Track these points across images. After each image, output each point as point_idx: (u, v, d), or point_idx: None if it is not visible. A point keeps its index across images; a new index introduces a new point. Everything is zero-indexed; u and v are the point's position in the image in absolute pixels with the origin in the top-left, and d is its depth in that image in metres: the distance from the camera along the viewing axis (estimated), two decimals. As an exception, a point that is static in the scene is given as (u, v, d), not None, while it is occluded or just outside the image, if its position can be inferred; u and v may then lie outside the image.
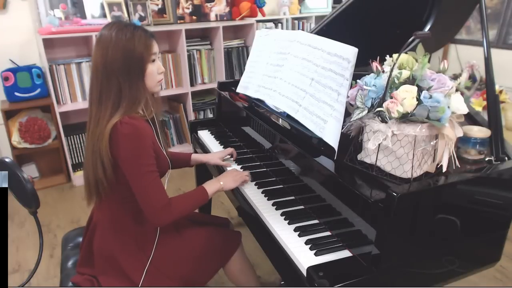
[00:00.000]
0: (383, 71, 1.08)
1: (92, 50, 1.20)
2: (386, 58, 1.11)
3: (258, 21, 3.57)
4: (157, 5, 3.14)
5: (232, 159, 1.65)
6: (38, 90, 2.82)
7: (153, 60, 1.19)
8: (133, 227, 1.27)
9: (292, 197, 1.33)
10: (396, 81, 1.01)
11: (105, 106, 1.15)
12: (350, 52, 1.13)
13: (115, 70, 1.14)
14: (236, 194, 1.44)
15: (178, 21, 3.25)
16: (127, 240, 1.26)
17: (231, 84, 1.94)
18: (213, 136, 1.93)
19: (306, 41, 1.35)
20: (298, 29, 3.90)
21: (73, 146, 2.95)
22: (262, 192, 1.37)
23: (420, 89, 0.99)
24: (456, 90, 1.01)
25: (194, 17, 3.33)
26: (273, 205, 1.29)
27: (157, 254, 1.26)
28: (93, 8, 2.93)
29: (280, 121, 1.44)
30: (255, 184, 1.43)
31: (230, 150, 1.64)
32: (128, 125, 1.12)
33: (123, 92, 1.15)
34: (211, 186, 1.32)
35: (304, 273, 1.00)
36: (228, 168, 1.57)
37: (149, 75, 1.19)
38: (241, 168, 1.55)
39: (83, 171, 1.26)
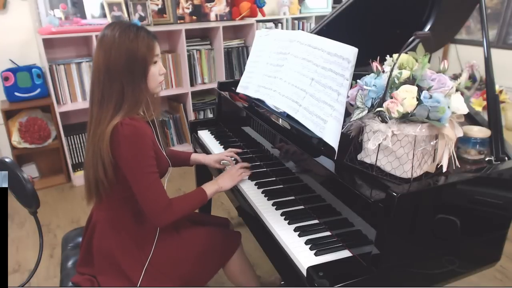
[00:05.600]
0: (383, 71, 1.08)
1: (93, 50, 1.19)
2: (386, 58, 1.11)
3: (258, 21, 3.57)
4: (157, 5, 3.14)
5: (233, 160, 1.60)
6: (38, 90, 2.82)
7: (155, 62, 1.19)
8: (133, 227, 1.27)
9: (292, 197, 1.33)
10: (396, 81, 1.01)
11: (107, 107, 1.14)
12: (350, 52, 1.13)
13: (118, 72, 1.13)
14: (236, 194, 1.44)
15: (178, 21, 3.25)
16: (127, 240, 1.26)
17: (231, 84, 1.94)
18: (213, 136, 1.93)
19: (306, 41, 1.35)
20: (298, 29, 3.90)
21: (73, 146, 2.95)
22: (262, 192, 1.37)
23: (420, 89, 0.99)
24: (456, 90, 1.01)
25: (194, 17, 3.33)
26: (273, 205, 1.29)
27: (156, 254, 1.26)
28: (93, 8, 2.93)
29: (280, 121, 1.44)
30: (255, 184, 1.43)
31: (229, 153, 1.58)
32: (129, 126, 1.12)
33: (126, 93, 1.15)
34: (209, 188, 1.33)
35: (304, 273, 1.00)
36: (226, 167, 1.57)
37: (151, 76, 1.19)
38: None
39: (84, 171, 1.26)
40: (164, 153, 1.31)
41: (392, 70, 1.01)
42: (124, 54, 1.13)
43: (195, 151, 1.99)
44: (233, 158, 1.59)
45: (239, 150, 1.60)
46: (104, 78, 1.14)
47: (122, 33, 1.14)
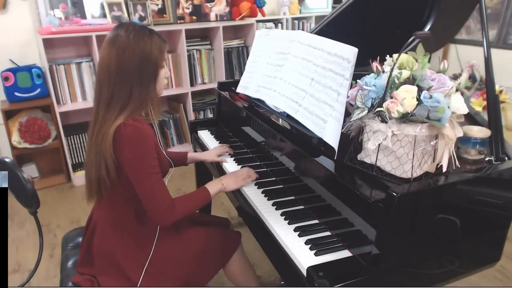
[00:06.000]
0: (383, 71, 1.08)
1: (94, 49, 1.19)
2: (386, 58, 1.11)
3: (258, 21, 3.57)
4: (157, 5, 3.14)
5: (228, 154, 1.67)
6: (38, 90, 2.82)
7: (163, 66, 1.22)
8: (133, 227, 1.27)
9: (292, 197, 1.33)
10: (396, 81, 1.01)
11: (114, 108, 1.15)
12: (350, 52, 1.13)
13: (129, 72, 1.14)
14: (236, 194, 1.44)
15: (178, 21, 3.25)
16: (127, 240, 1.26)
17: (231, 84, 1.94)
18: (213, 136, 1.93)
19: (306, 41, 1.35)
20: (298, 29, 3.90)
21: (73, 146, 2.95)
22: (262, 192, 1.37)
23: (420, 89, 0.99)
24: (456, 90, 1.01)
25: (194, 17, 3.33)
26: (273, 205, 1.29)
27: (156, 254, 1.26)
28: (93, 8, 2.93)
29: (280, 121, 1.44)
30: (255, 184, 1.42)
31: (224, 147, 1.68)
32: (131, 127, 1.13)
33: (133, 95, 1.15)
34: (213, 187, 1.33)
35: (304, 273, 1.00)
36: (227, 166, 1.57)
37: (159, 79, 1.22)
38: (241, 168, 1.55)
39: (85, 169, 1.26)
40: (165, 154, 1.31)
41: (392, 70, 1.01)
42: (138, 55, 1.14)
43: (195, 151, 1.99)
44: (229, 153, 1.65)
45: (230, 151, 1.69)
46: (115, 79, 1.14)
47: (136, 35, 1.15)
